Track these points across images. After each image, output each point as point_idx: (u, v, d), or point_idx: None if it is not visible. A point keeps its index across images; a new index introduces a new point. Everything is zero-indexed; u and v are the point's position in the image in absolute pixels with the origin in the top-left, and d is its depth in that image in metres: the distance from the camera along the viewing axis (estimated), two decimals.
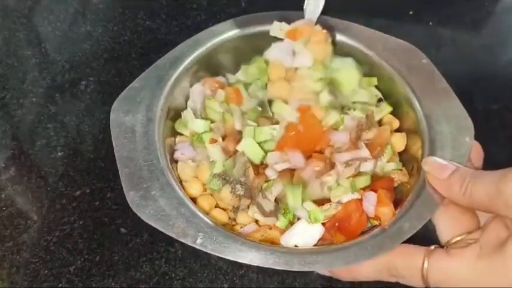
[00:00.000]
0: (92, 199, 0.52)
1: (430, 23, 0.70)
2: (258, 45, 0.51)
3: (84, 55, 0.64)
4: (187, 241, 0.38)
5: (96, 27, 0.67)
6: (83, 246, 0.49)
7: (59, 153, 0.56)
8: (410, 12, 0.71)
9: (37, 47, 0.65)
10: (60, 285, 0.47)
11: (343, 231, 0.42)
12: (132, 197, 0.40)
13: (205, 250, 0.37)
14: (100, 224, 0.51)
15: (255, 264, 0.37)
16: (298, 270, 0.37)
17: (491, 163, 0.42)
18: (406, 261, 0.37)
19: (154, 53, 0.48)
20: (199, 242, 0.38)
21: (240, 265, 0.49)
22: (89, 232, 0.50)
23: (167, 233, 0.38)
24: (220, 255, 0.37)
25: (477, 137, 0.43)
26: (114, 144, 0.42)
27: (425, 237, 0.39)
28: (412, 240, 0.38)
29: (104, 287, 0.47)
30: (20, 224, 0.51)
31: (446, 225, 0.39)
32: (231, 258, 0.37)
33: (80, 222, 0.51)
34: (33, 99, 0.60)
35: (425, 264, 0.36)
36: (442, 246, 0.38)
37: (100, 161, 0.55)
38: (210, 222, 0.39)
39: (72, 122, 0.58)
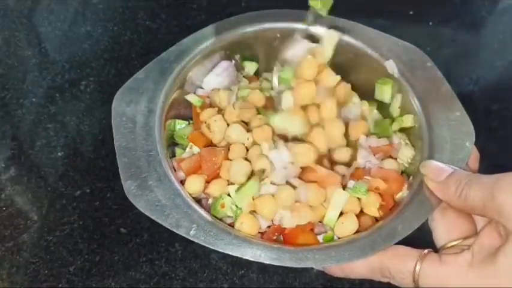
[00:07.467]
0: (92, 199, 0.52)
1: (430, 23, 0.70)
2: (261, 41, 0.52)
3: (84, 55, 0.64)
4: (181, 232, 0.38)
5: (96, 27, 0.67)
6: (83, 246, 0.49)
7: (59, 153, 0.56)
8: (411, 12, 0.71)
9: (37, 47, 0.65)
10: (60, 285, 0.47)
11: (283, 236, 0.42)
12: (128, 186, 0.40)
13: (197, 241, 0.38)
14: (100, 224, 0.51)
15: (246, 258, 0.37)
16: (289, 266, 0.37)
17: (491, 163, 0.42)
18: (398, 263, 0.37)
19: (154, 53, 0.48)
20: (192, 234, 0.38)
21: (240, 265, 0.49)
22: (89, 232, 0.50)
23: (161, 223, 0.38)
24: (212, 248, 0.37)
25: (477, 137, 0.43)
26: (114, 133, 0.43)
27: (424, 240, 0.39)
28: (409, 242, 0.38)
29: (104, 287, 0.48)
30: (20, 224, 0.51)
31: (443, 230, 0.39)
32: (222, 251, 0.37)
33: (80, 222, 0.51)
34: (33, 99, 0.60)
35: (417, 268, 0.36)
36: (437, 250, 0.38)
37: (100, 161, 0.55)
38: (205, 215, 0.40)
39: (72, 122, 0.58)
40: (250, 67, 0.54)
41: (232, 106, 0.49)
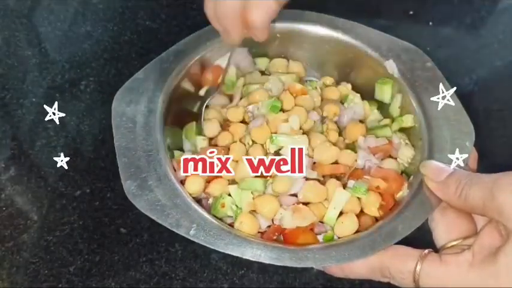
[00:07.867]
0: (92, 199, 0.52)
1: (430, 23, 0.70)
2: (261, 41, 0.51)
3: (84, 55, 0.64)
4: (181, 232, 0.38)
5: (96, 27, 0.67)
6: (83, 246, 0.49)
7: (59, 153, 0.55)
8: (411, 12, 0.71)
9: (37, 47, 0.65)
10: (60, 285, 0.47)
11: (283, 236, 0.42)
12: (128, 186, 0.40)
13: (197, 241, 0.38)
14: (100, 224, 0.51)
15: (246, 258, 0.37)
16: (289, 265, 0.37)
17: (491, 163, 0.42)
18: (398, 263, 0.37)
19: (154, 53, 0.48)
20: (192, 233, 0.38)
21: (240, 265, 0.49)
22: (89, 232, 0.50)
23: (161, 223, 0.38)
24: (212, 247, 0.38)
25: (477, 137, 0.43)
26: (114, 133, 0.43)
27: (424, 240, 0.39)
28: (409, 242, 0.38)
29: (104, 287, 0.48)
30: (20, 224, 0.51)
31: (443, 230, 0.39)
32: (222, 251, 0.37)
33: (80, 222, 0.51)
34: (33, 99, 0.60)
35: (418, 268, 0.36)
36: (437, 251, 0.38)
37: (100, 161, 0.55)
38: (205, 215, 0.40)
39: (72, 122, 0.58)
40: (262, 63, 0.54)
41: (236, 104, 0.49)
